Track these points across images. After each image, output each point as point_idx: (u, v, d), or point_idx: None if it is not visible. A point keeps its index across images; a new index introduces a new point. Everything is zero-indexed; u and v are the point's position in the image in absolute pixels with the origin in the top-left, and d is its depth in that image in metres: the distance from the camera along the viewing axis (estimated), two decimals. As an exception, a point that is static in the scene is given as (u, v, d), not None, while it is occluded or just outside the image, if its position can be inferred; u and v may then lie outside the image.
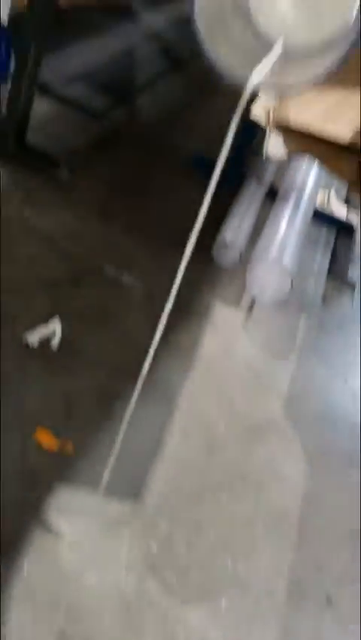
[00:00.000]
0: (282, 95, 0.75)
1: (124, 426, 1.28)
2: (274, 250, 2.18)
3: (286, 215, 2.39)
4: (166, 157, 2.92)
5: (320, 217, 2.82)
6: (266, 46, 0.73)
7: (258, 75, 0.59)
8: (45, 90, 2.81)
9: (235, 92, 0.70)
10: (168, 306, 1.07)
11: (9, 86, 2.41)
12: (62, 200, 2.38)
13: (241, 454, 1.74)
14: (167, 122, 3.26)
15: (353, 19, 0.71)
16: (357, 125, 0.86)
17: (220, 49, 0.67)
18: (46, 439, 1.54)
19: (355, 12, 0.70)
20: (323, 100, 0.88)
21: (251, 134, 2.49)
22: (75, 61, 3.25)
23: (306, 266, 2.56)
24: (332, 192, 2.97)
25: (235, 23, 0.76)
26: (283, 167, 2.72)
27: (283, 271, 2.14)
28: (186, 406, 1.79)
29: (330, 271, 2.62)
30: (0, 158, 2.40)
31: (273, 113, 0.91)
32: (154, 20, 4.37)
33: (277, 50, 0.65)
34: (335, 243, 2.80)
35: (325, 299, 2.47)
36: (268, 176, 2.78)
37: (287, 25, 0.71)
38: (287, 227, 2.32)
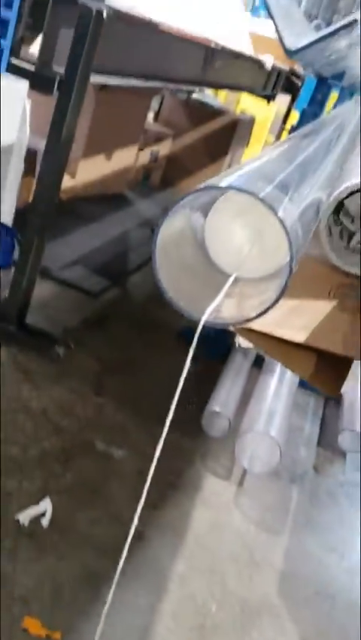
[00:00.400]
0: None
1: (105, 612, 1.26)
2: (261, 421, 2.25)
3: (273, 385, 2.49)
4: (157, 332, 3.08)
5: (307, 383, 2.92)
6: (219, 276, 0.84)
7: (211, 309, 0.69)
8: (45, 274, 3.05)
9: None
10: (148, 480, 1.11)
11: (12, 271, 2.62)
12: (56, 375, 2.50)
13: (235, 639, 1.67)
14: (157, 299, 3.47)
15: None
16: (310, 328, 0.97)
17: (175, 277, 0.78)
18: (34, 627, 1.50)
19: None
20: (281, 305, 0.99)
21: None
22: (73, 247, 3.55)
23: (296, 435, 2.61)
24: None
25: (191, 252, 0.88)
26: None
27: (271, 443, 2.20)
28: (176, 586, 1.75)
29: (320, 439, 2.67)
30: (1, 338, 2.54)
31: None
32: (146, 208, 4.82)
33: (229, 284, 0.76)
34: (324, 411, 2.87)
35: (316, 468, 2.49)
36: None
37: (240, 259, 0.83)
38: (274, 397, 2.41)
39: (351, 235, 1.10)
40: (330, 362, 1.03)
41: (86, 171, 4.22)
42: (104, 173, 4.47)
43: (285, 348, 1.02)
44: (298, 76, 4.93)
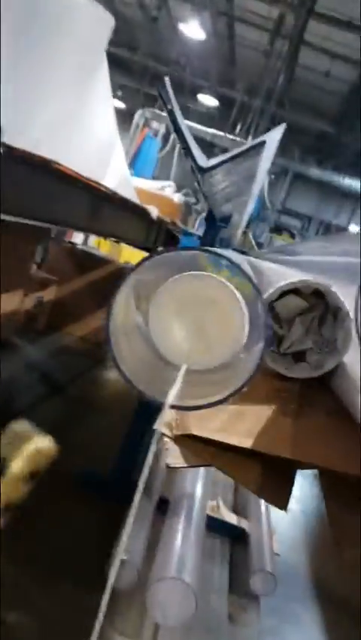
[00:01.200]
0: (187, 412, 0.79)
1: None
2: (173, 568, 2.07)
3: (181, 528, 2.33)
4: (50, 478, 2.85)
5: (213, 526, 2.78)
6: (170, 367, 0.79)
7: (174, 394, 0.63)
8: None
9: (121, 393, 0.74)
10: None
11: None
12: None
13: None
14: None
15: (240, 349, 0.79)
16: (255, 433, 0.91)
17: (128, 365, 0.72)
18: None
19: (243, 342, 0.78)
20: (224, 410, 0.93)
21: (140, 447, 2.55)
22: None
23: (206, 581, 2.42)
24: (220, 501, 2.99)
25: (141, 343, 0.82)
26: (171, 478, 2.74)
27: (185, 590, 2.01)
28: None
29: (231, 584, 2.49)
30: None
31: (176, 425, 0.95)
32: (31, 352, 4.71)
33: (180, 376, 0.71)
34: (231, 553, 2.72)
35: (231, 617, 2.30)
36: (157, 488, 2.77)
37: (185, 351, 0.77)
38: (183, 541, 2.24)
39: (281, 339, 1.09)
40: (275, 472, 0.97)
41: (-30, 315, 4.09)
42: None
43: (229, 458, 0.94)
44: (177, 230, 5.27)
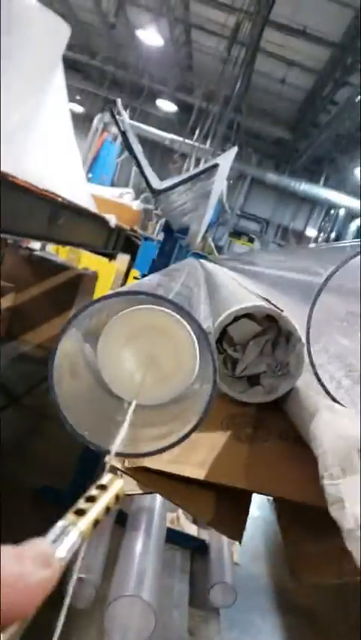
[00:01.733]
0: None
1: None
2: (131, 584, 2.05)
3: (140, 542, 2.31)
4: (6, 492, 2.80)
5: (173, 537, 2.76)
6: (117, 402, 0.77)
7: (120, 439, 0.61)
8: None
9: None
10: None
11: None
12: None
13: None
14: (5, 455, 3.21)
15: (193, 379, 0.78)
16: (209, 462, 0.90)
17: (75, 405, 0.70)
18: None
19: (195, 372, 0.77)
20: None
21: (92, 470, 2.52)
22: None
23: (166, 595, 2.41)
24: (180, 512, 2.98)
25: (86, 379, 0.80)
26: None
27: (144, 607, 1.99)
28: None
29: (191, 598, 2.48)
30: None
31: (127, 458, 0.93)
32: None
33: (129, 415, 0.69)
34: (192, 566, 2.71)
35: (191, 631, 2.28)
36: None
37: (135, 385, 0.76)
38: (142, 556, 2.22)
39: (235, 363, 1.09)
40: (229, 502, 0.96)
41: None
42: None
43: (182, 489, 0.93)
44: (137, 237, 5.25)
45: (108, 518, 2.60)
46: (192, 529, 2.96)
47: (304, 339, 1.03)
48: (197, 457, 0.93)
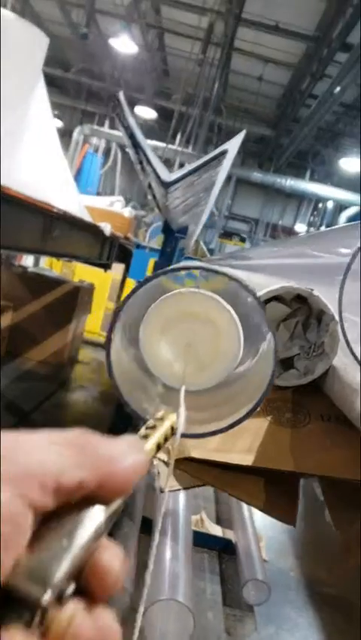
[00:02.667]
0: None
1: None
2: (166, 588, 2.02)
3: (168, 546, 2.29)
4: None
5: (199, 539, 2.74)
6: (173, 393, 0.75)
7: (182, 422, 0.59)
8: None
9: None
10: None
11: None
12: None
13: None
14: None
15: (237, 363, 0.76)
16: (255, 449, 0.88)
17: (139, 402, 0.69)
18: None
19: (239, 356, 0.75)
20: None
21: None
22: None
23: (199, 599, 2.38)
24: (203, 514, 2.95)
25: (134, 366, 0.79)
26: (151, 496, 2.69)
27: (181, 610, 1.96)
28: None
29: (224, 598, 2.45)
30: None
31: (173, 448, 0.91)
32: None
33: (182, 399, 0.68)
34: (220, 566, 2.68)
35: (228, 631, 2.26)
36: (139, 509, 2.72)
37: (179, 373, 0.75)
38: (172, 560, 2.20)
39: (268, 349, 1.07)
40: (279, 487, 0.94)
41: None
42: None
43: (230, 477, 0.91)
44: (130, 245, 5.24)
45: (134, 527, 2.57)
46: (217, 530, 2.93)
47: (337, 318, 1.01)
48: (242, 444, 0.91)
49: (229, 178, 13.49)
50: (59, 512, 0.28)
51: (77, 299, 5.52)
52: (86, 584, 0.28)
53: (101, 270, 5.36)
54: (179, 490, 1.12)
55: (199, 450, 0.90)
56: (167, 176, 1.27)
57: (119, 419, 3.45)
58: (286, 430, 0.95)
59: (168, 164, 10.64)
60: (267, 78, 9.82)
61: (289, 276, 1.35)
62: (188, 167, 1.32)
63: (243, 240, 13.48)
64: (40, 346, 5.36)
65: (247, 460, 0.88)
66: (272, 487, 0.93)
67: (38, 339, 5.41)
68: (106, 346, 0.63)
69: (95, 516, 0.29)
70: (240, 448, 0.90)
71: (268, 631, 2.33)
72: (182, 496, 2.64)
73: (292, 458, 0.90)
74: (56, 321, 5.38)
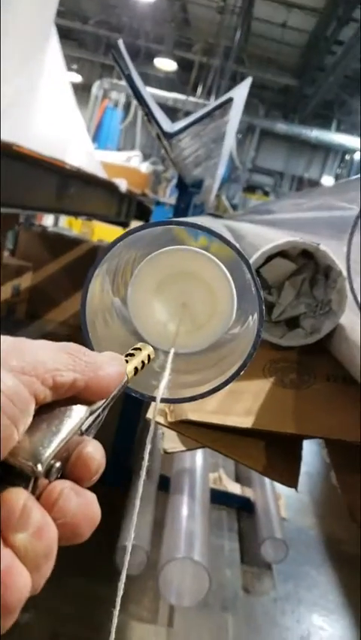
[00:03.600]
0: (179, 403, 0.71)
1: None
2: (182, 547, 2.02)
3: (185, 505, 2.28)
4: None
5: (217, 497, 2.74)
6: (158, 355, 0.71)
7: (164, 386, 0.55)
8: None
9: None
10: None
11: None
12: None
13: None
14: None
15: (230, 324, 0.72)
16: (255, 411, 0.84)
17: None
18: None
19: (232, 317, 0.71)
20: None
21: (133, 428, 2.49)
22: None
23: (217, 555, 2.39)
24: (222, 472, 2.95)
25: (120, 329, 0.75)
26: (168, 455, 2.69)
27: (197, 568, 1.96)
28: None
29: (242, 555, 2.46)
30: None
31: (170, 411, 0.87)
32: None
33: (169, 363, 0.63)
34: (239, 524, 2.69)
35: (246, 588, 2.27)
36: (157, 468, 2.72)
37: (169, 334, 0.70)
38: (189, 518, 2.20)
39: (271, 307, 1.01)
40: (280, 449, 0.90)
41: None
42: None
43: (230, 440, 0.87)
44: (148, 201, 5.15)
45: (152, 485, 2.58)
46: (235, 488, 2.93)
47: (344, 273, 0.95)
48: (241, 406, 0.87)
49: (252, 129, 13.16)
50: (50, 406, 0.33)
51: (95, 259, 5.48)
52: (72, 472, 0.33)
53: (120, 229, 5.30)
54: (182, 451, 1.09)
55: (197, 413, 0.86)
56: (170, 126, 1.21)
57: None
58: (289, 392, 0.90)
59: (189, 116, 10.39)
60: (291, 24, 9.43)
61: (315, 230, 1.28)
62: (191, 117, 1.25)
63: (266, 193, 13.21)
64: (60, 307, 5.36)
65: (245, 422, 0.84)
66: (273, 450, 0.89)
67: (58, 300, 5.40)
68: (82, 294, 0.58)
69: (80, 411, 0.34)
70: (239, 410, 0.86)
71: (286, 588, 2.34)
72: (199, 454, 2.63)
73: (293, 420, 0.85)
74: (75, 282, 5.35)
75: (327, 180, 13.84)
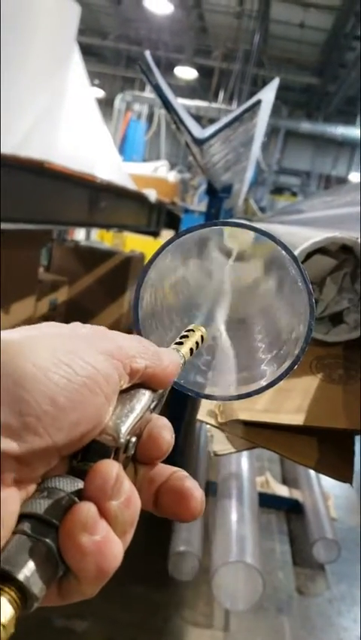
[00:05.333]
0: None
1: None
2: (233, 550, 2.02)
3: (234, 509, 2.28)
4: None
5: (265, 500, 2.73)
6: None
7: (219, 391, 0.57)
8: None
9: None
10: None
11: None
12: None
13: None
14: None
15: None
16: (305, 408, 0.84)
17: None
18: None
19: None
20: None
21: (178, 428, 2.49)
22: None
23: (269, 558, 2.38)
24: (268, 475, 2.94)
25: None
26: (214, 461, 2.69)
27: (250, 571, 1.96)
28: None
29: (294, 557, 2.44)
30: None
31: (220, 411, 0.88)
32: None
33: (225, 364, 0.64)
34: (289, 526, 2.67)
35: (300, 590, 2.25)
36: (203, 473, 2.73)
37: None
38: (239, 522, 2.19)
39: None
40: (332, 445, 0.90)
41: (-13, 329, 4.06)
42: (5, 328, 4.33)
43: (281, 438, 0.88)
44: (178, 210, 5.18)
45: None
46: (283, 491, 2.91)
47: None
48: (292, 404, 0.87)
49: (276, 131, 13.12)
50: (122, 391, 0.35)
51: (129, 269, 5.53)
52: (143, 449, 0.35)
53: (151, 238, 5.34)
54: (231, 453, 1.09)
55: (247, 412, 0.87)
56: (200, 133, 1.22)
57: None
58: (337, 387, 0.91)
59: (213, 123, 10.42)
60: (309, 24, 9.40)
61: (349, 226, 1.28)
62: (221, 122, 1.26)
63: (294, 194, 13.13)
64: (96, 319, 5.42)
65: (296, 419, 0.85)
66: (325, 446, 0.89)
67: (94, 312, 5.46)
68: (134, 309, 0.59)
69: (148, 395, 0.37)
70: (289, 407, 0.87)
71: (340, 588, 2.31)
72: (245, 458, 2.63)
73: (344, 415, 0.85)
74: (110, 293, 5.41)
75: (355, 177, 13.68)
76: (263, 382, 0.65)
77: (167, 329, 0.74)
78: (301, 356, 0.62)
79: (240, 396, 0.66)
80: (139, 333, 0.63)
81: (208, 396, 0.61)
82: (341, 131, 11.84)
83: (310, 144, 13.72)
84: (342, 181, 13.62)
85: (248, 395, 0.66)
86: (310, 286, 0.60)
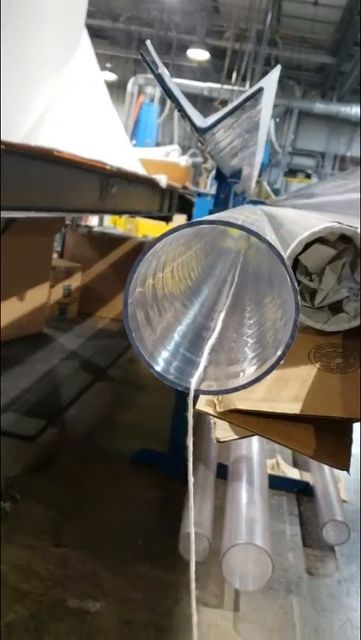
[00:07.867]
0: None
1: None
2: (243, 532, 2.06)
3: (244, 491, 2.31)
4: (107, 463, 2.87)
5: (276, 483, 2.76)
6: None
7: (197, 376, 0.59)
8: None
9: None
10: None
11: None
12: (6, 534, 2.22)
13: None
14: (100, 428, 3.29)
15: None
16: (302, 396, 0.86)
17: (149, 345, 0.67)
18: None
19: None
20: (266, 378, 0.88)
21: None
22: (2, 392, 3.35)
23: (279, 540, 2.41)
24: (279, 457, 2.97)
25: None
26: (225, 444, 2.72)
27: (259, 553, 1.99)
28: None
29: (304, 539, 2.48)
30: None
31: (218, 401, 0.91)
32: (66, 341, 4.73)
33: (208, 349, 0.66)
34: (299, 508, 2.70)
35: (310, 571, 2.29)
36: (214, 456, 2.76)
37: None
38: (249, 505, 2.23)
39: (313, 293, 1.03)
40: (330, 433, 0.92)
41: (2, 316, 4.11)
42: (20, 315, 4.38)
43: (279, 426, 0.90)
44: (190, 194, 5.17)
45: (210, 473, 2.62)
46: (294, 473, 2.94)
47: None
48: (289, 393, 0.89)
49: (290, 112, 12.97)
50: None
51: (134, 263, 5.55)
52: None
53: (163, 223, 5.34)
54: (235, 439, 1.12)
55: (245, 401, 0.88)
56: (202, 122, 1.23)
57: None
58: (335, 376, 0.92)
59: (226, 104, 10.33)
60: (323, 1, 9.25)
61: (354, 212, 1.29)
62: (222, 111, 1.27)
63: (308, 176, 13.02)
64: (110, 304, 5.45)
65: (293, 408, 0.86)
66: (323, 434, 0.91)
67: (108, 297, 5.50)
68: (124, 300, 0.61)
69: None
70: (286, 396, 0.88)
71: (351, 570, 2.34)
72: (255, 441, 2.65)
73: (341, 404, 0.87)
74: (123, 278, 5.42)
75: (371, 157, 13.52)
76: (250, 377, 0.67)
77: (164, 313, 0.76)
78: (286, 352, 0.64)
79: (228, 390, 0.69)
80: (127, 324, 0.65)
81: (200, 391, 0.63)
82: (355, 110, 11.69)
83: (324, 124, 13.56)
84: (358, 161, 13.45)
85: (235, 389, 0.68)
86: (296, 284, 0.62)
